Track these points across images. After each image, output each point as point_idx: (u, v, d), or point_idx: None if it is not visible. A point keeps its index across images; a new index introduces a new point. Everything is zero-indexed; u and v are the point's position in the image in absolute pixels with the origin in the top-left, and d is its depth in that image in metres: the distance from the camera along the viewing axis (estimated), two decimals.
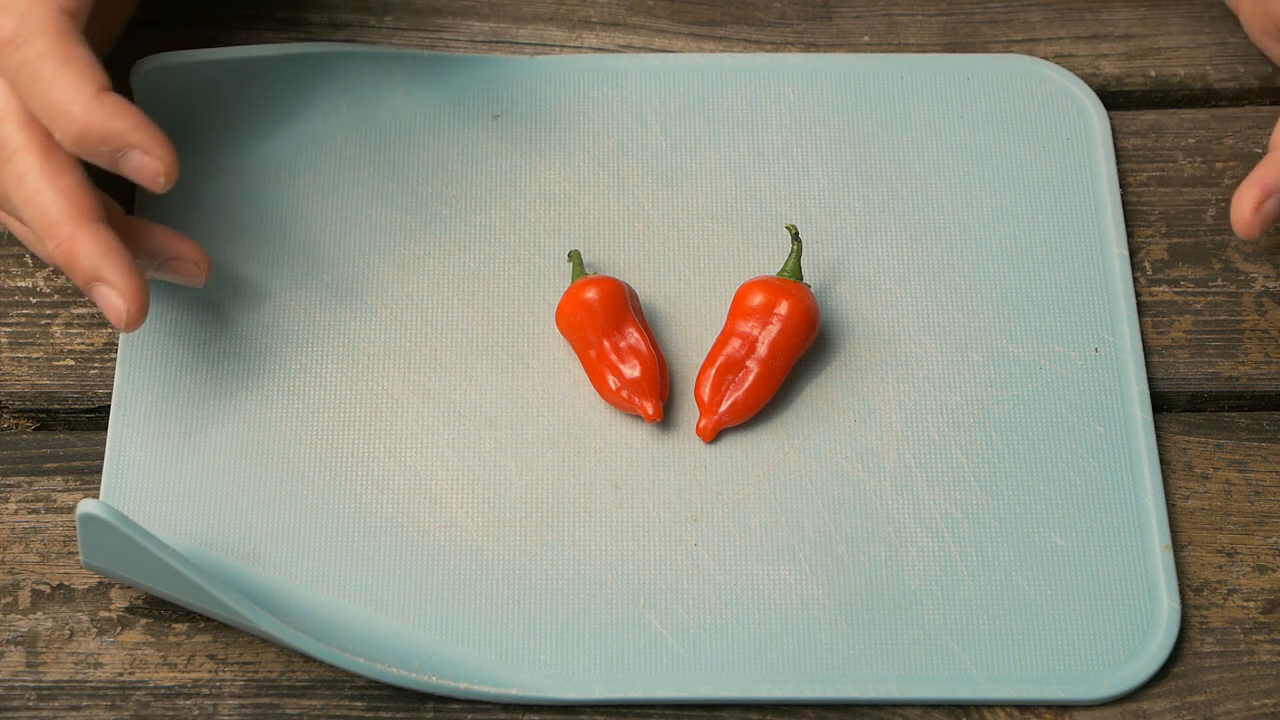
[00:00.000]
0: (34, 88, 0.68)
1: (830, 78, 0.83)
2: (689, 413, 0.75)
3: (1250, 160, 0.82)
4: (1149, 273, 0.79)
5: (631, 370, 0.74)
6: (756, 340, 0.75)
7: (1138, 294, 0.79)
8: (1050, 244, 0.79)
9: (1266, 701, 0.70)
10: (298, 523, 0.73)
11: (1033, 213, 0.80)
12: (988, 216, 0.80)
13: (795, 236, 0.76)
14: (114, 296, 0.70)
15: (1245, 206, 0.73)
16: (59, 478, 0.75)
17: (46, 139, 0.69)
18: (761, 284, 0.75)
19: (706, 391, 0.75)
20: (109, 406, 0.75)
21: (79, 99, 0.67)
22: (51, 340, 0.77)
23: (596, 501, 0.73)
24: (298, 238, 0.79)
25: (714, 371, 0.75)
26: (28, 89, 0.68)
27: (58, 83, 0.67)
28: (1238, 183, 0.82)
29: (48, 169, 0.69)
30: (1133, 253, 0.80)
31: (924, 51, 0.85)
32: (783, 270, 0.76)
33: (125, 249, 0.70)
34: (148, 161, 0.68)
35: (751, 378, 0.74)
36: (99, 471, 0.74)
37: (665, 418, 0.75)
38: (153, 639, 0.71)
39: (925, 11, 0.86)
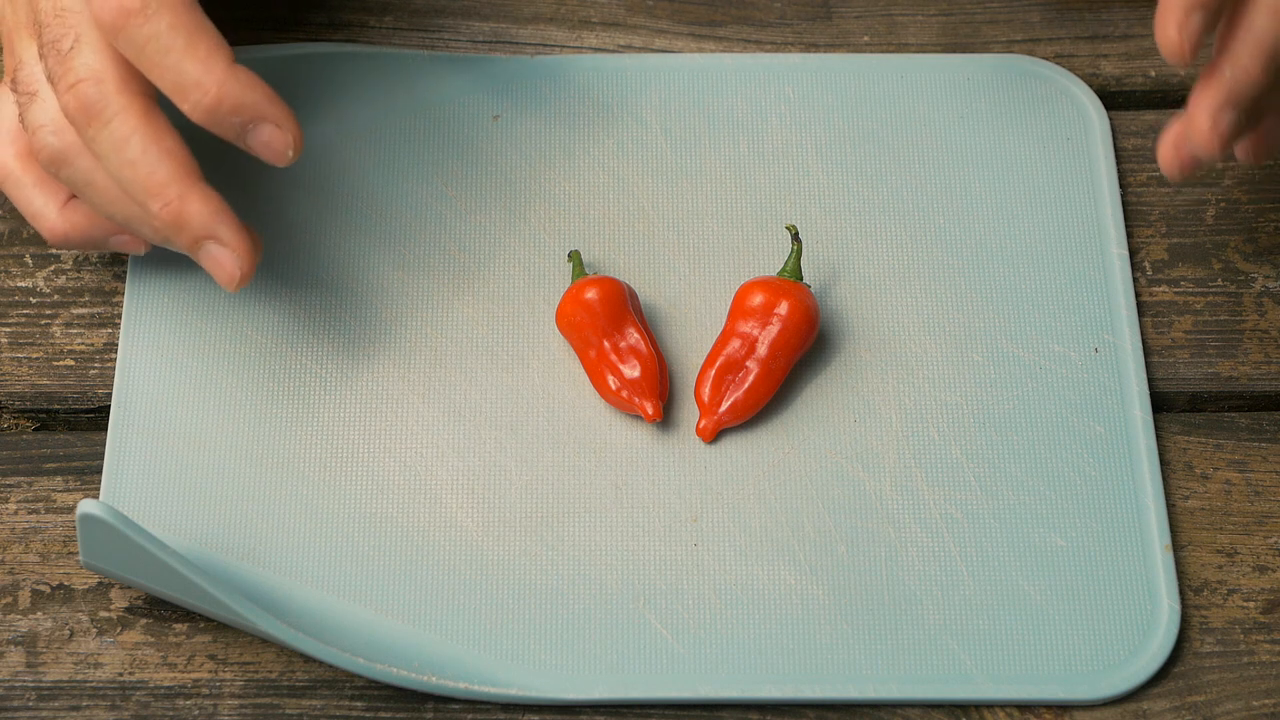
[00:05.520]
0: (165, 60, 0.68)
1: (830, 78, 0.83)
2: (689, 413, 0.75)
3: None
4: (1149, 273, 0.79)
5: (631, 370, 0.74)
6: (756, 340, 0.75)
7: (1138, 294, 0.79)
8: (1050, 244, 0.79)
9: (1266, 701, 0.70)
10: (298, 523, 0.73)
11: (1033, 213, 0.80)
12: (988, 216, 0.80)
13: (795, 236, 0.76)
14: (226, 254, 0.70)
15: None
16: (59, 478, 0.75)
17: (145, 101, 0.70)
18: (761, 284, 0.75)
19: (706, 391, 0.75)
20: (109, 406, 0.75)
21: (213, 71, 0.68)
22: (51, 340, 0.77)
23: (596, 501, 0.74)
24: (298, 238, 0.79)
25: (714, 371, 0.75)
26: (157, 61, 0.68)
27: (190, 55, 0.68)
28: (1238, 183, 0.82)
29: (150, 130, 0.69)
30: (1133, 253, 0.80)
31: (924, 51, 0.85)
32: (783, 270, 0.76)
33: (230, 209, 0.70)
34: (278, 134, 0.69)
35: (751, 378, 0.74)
36: (99, 471, 0.74)
37: (665, 418, 0.75)
38: (153, 639, 0.71)
39: (925, 11, 0.86)
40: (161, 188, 0.69)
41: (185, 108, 0.68)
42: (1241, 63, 0.69)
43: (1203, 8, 0.68)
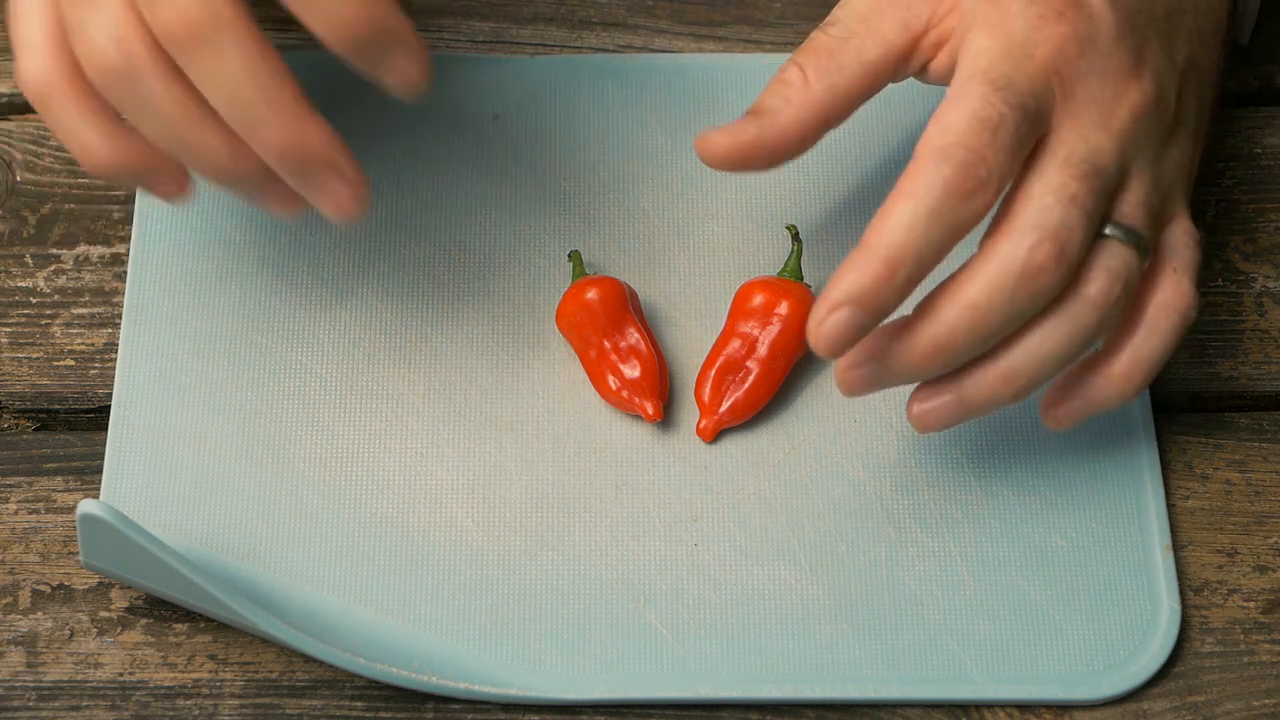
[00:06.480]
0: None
1: None
2: (689, 413, 0.75)
3: (1250, 161, 0.82)
4: None
5: (631, 370, 0.74)
6: (757, 340, 0.75)
7: None
8: None
9: (1266, 701, 0.70)
10: (298, 523, 0.73)
11: None
12: (988, 217, 0.79)
13: (795, 236, 0.76)
14: (343, 186, 0.66)
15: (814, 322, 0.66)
16: (59, 478, 0.75)
17: (252, 18, 0.63)
18: (762, 284, 0.75)
19: (706, 392, 0.75)
20: (109, 406, 0.76)
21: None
22: (51, 340, 0.77)
23: (597, 501, 0.74)
24: (297, 237, 0.79)
25: (714, 372, 0.75)
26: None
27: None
28: (1238, 183, 0.82)
29: (266, 50, 0.63)
30: None
31: None
32: (783, 270, 0.76)
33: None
34: (413, 63, 0.64)
35: (751, 378, 0.74)
36: (99, 471, 0.74)
37: (665, 418, 0.75)
38: (153, 639, 0.71)
39: None
40: (285, 108, 0.63)
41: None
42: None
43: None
